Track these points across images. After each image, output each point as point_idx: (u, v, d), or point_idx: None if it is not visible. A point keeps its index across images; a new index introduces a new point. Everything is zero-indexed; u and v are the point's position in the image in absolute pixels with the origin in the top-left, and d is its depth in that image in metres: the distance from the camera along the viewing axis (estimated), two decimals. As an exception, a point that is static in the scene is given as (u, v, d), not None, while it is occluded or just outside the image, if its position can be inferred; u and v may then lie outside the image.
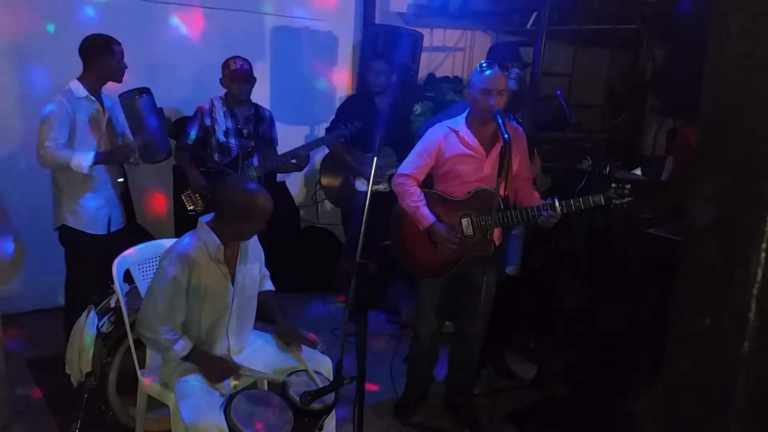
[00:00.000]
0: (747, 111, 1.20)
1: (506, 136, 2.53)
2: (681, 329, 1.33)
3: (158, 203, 4.25)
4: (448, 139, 2.82)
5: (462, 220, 2.81)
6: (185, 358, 2.32)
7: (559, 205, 2.65)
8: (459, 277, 2.92)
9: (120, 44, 3.20)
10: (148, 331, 2.32)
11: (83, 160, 3.03)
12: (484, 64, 2.75)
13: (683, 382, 1.35)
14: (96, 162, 3.07)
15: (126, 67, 3.23)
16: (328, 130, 4.11)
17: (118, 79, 3.24)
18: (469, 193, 2.80)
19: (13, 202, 3.90)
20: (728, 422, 1.24)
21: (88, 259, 3.20)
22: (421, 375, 3.22)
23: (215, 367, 2.35)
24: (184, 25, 4.32)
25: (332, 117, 4.22)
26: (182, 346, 2.31)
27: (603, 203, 2.66)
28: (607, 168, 3.53)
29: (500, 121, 2.62)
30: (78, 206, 3.20)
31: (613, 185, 2.67)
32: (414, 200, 2.83)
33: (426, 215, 2.81)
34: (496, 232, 2.83)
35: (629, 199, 2.64)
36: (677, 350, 1.34)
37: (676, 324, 1.35)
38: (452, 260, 2.84)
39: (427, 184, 2.95)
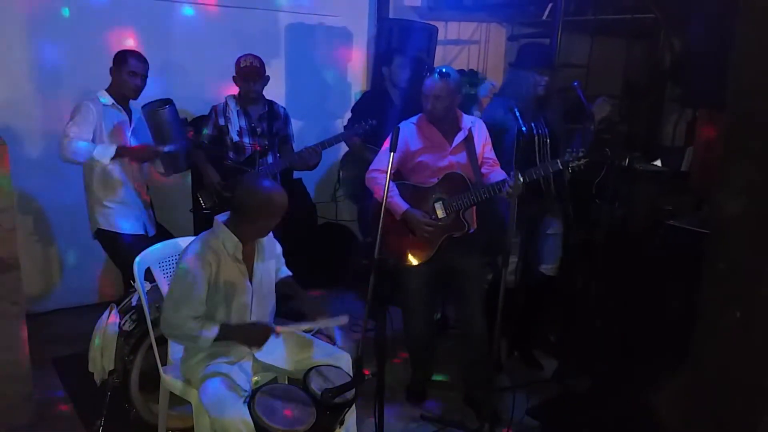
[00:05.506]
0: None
1: (525, 130, 2.94)
2: (709, 323, 1.30)
3: (177, 201, 4.27)
4: (412, 134, 3.03)
5: (435, 204, 3.00)
6: (217, 339, 2.32)
7: (521, 176, 2.81)
8: (443, 270, 3.08)
9: (141, 60, 3.24)
10: (175, 329, 2.33)
11: (105, 150, 3.09)
12: (427, 73, 3.00)
13: (711, 376, 1.33)
14: (118, 155, 3.12)
15: (142, 85, 3.26)
16: (345, 128, 4.09)
17: (130, 94, 3.27)
18: (438, 179, 3.00)
19: (39, 202, 3.95)
20: (758, 416, 1.21)
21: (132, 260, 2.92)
22: (422, 361, 3.35)
23: (252, 334, 2.38)
24: (198, 23, 4.33)
25: (347, 112, 4.20)
26: (210, 330, 2.31)
27: (561, 167, 2.88)
28: (627, 159, 3.49)
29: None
30: (106, 208, 3.26)
31: (567, 150, 2.88)
32: None
33: (399, 203, 2.99)
34: (473, 215, 3.04)
35: (585, 160, 2.84)
36: (705, 344, 1.32)
37: (703, 317, 1.32)
38: (432, 244, 3.00)
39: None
